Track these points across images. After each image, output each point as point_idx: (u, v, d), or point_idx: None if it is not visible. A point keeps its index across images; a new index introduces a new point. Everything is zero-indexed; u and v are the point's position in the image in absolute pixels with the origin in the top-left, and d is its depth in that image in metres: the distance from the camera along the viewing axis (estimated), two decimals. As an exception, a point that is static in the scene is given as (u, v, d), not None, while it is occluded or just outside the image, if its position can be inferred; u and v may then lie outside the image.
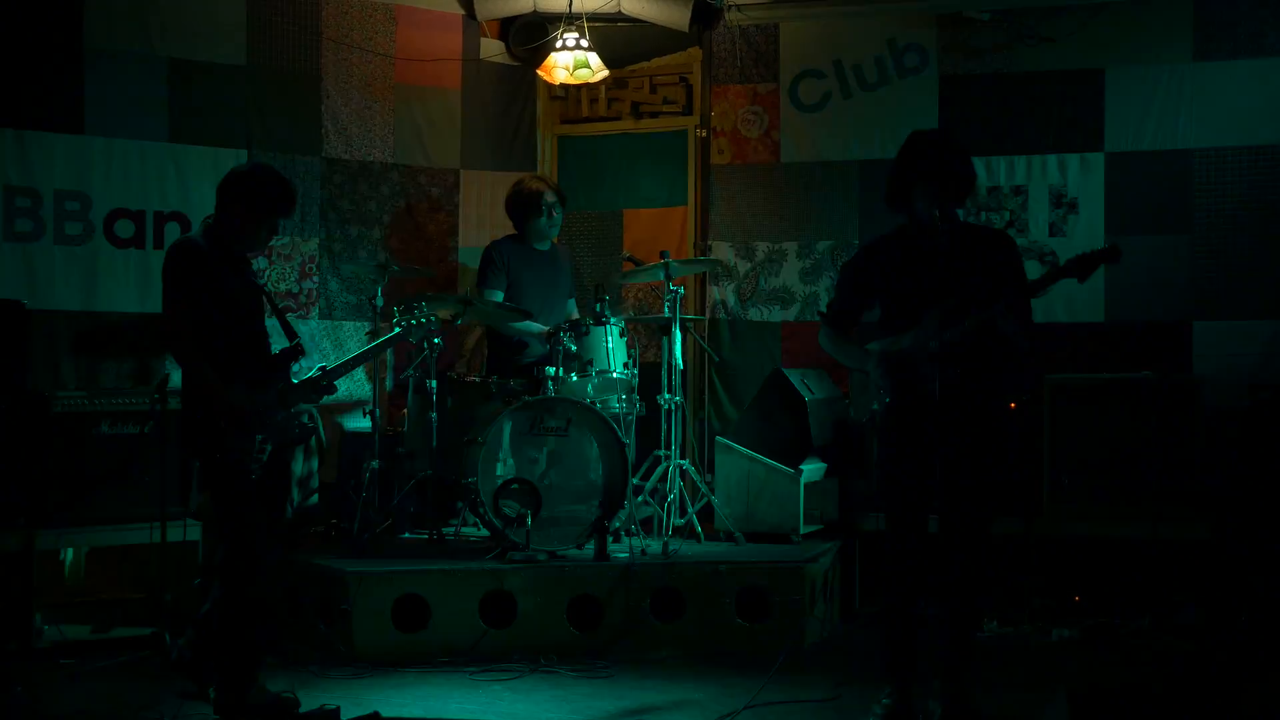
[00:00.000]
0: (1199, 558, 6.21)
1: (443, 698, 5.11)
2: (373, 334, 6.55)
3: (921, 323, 4.49)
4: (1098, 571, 6.38)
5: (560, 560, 5.88)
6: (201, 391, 4.62)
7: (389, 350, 6.91)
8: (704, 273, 7.69)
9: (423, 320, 5.45)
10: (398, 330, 5.45)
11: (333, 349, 7.42)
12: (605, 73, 7.63)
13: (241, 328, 4.78)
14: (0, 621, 5.68)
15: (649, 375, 6.77)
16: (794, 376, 6.76)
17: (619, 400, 6.45)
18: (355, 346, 7.39)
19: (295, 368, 4.93)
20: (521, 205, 6.90)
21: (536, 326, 6.69)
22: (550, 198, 6.90)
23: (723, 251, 7.66)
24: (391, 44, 7.74)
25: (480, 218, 7.89)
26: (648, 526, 6.36)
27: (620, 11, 7.79)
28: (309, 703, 4.79)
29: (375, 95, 7.68)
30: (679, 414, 6.56)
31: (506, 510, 5.96)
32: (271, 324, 4.95)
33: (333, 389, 5.00)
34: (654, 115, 8.15)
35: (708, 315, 7.69)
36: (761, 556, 6.06)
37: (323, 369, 4.99)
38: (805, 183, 7.59)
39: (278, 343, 4.92)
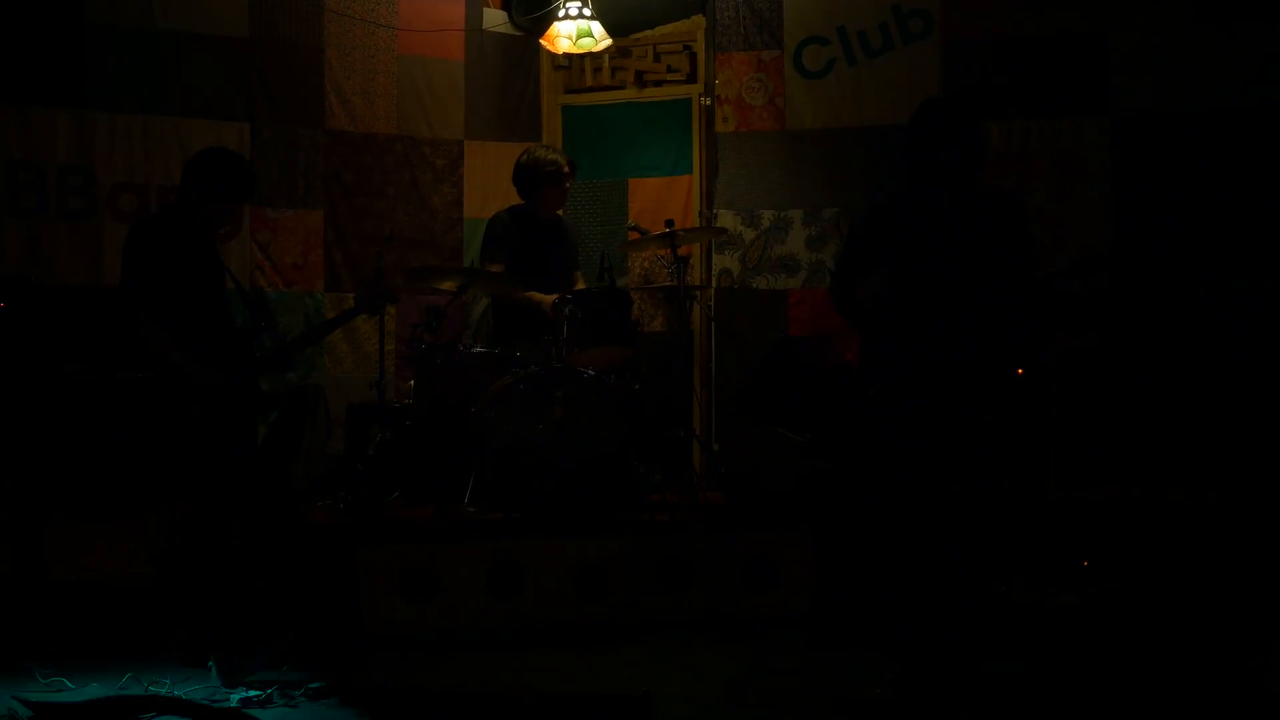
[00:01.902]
0: (1210, 525, 6.21)
1: (454, 670, 5.13)
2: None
3: (923, 301, 4.49)
4: (1107, 537, 6.38)
5: (567, 531, 5.88)
6: (169, 366, 4.69)
7: (389, 321, 6.91)
8: (709, 241, 7.67)
9: (381, 291, 5.51)
10: (356, 304, 5.51)
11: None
12: (608, 41, 7.60)
13: (202, 304, 4.85)
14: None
15: (655, 345, 6.76)
16: (800, 344, 6.76)
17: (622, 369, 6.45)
18: (361, 319, 7.39)
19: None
20: (534, 175, 6.81)
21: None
22: (567, 169, 6.85)
23: (728, 220, 7.63)
24: (394, 15, 7.71)
25: (485, 188, 7.88)
26: (654, 496, 6.35)
27: (622, -21, 7.77)
28: (313, 675, 4.82)
29: (378, 67, 7.66)
30: (685, 382, 6.55)
31: (513, 481, 5.96)
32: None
33: (291, 363, 5.06)
34: (658, 84, 8.12)
35: (713, 284, 7.67)
36: (770, 525, 6.06)
37: (281, 342, 5.05)
38: (810, 150, 7.55)
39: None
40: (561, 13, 7.47)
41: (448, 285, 6.33)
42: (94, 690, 4.65)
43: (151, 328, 4.74)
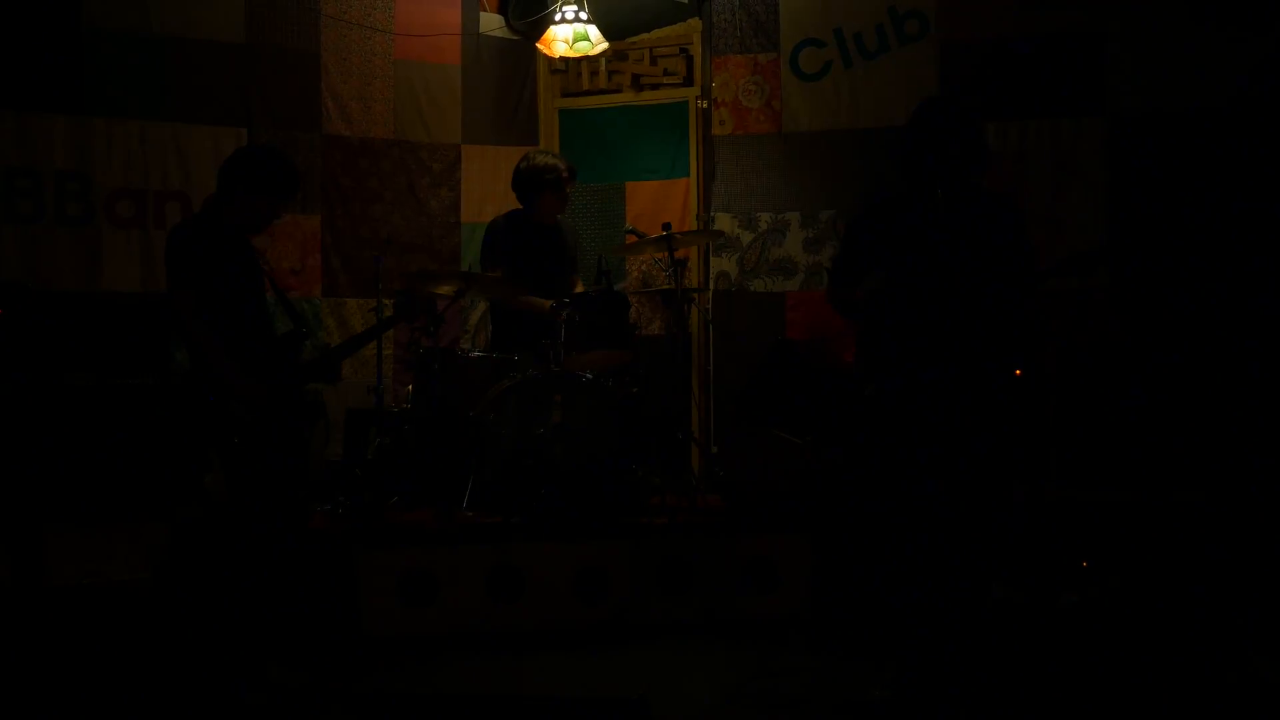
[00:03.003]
0: (1209, 525, 6.20)
1: (453, 674, 5.13)
2: (376, 311, 6.55)
3: (920, 301, 4.49)
4: (1107, 537, 6.38)
5: (565, 535, 5.88)
6: (216, 373, 4.62)
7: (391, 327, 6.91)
8: (707, 244, 7.67)
9: (419, 300, 5.48)
10: (395, 312, 5.48)
11: (337, 327, 7.43)
12: (605, 45, 7.60)
13: (244, 309, 4.78)
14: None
15: (653, 348, 6.75)
16: (798, 347, 6.76)
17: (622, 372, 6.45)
18: (360, 324, 7.40)
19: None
20: (534, 181, 6.80)
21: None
22: (566, 174, 6.85)
23: (725, 222, 7.64)
24: (390, 19, 7.71)
25: (483, 193, 7.88)
26: (653, 499, 6.35)
27: (619, -17, 7.77)
28: (317, 682, 4.82)
29: (375, 71, 7.66)
30: (684, 385, 6.55)
31: (512, 485, 5.96)
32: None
33: (339, 372, 5.00)
34: (655, 87, 8.13)
35: (711, 286, 7.67)
36: (769, 527, 6.05)
37: (326, 349, 4.99)
38: (807, 152, 7.55)
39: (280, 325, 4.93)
40: (558, 16, 7.47)
41: (445, 289, 6.32)
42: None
43: (207, 332, 4.62)
